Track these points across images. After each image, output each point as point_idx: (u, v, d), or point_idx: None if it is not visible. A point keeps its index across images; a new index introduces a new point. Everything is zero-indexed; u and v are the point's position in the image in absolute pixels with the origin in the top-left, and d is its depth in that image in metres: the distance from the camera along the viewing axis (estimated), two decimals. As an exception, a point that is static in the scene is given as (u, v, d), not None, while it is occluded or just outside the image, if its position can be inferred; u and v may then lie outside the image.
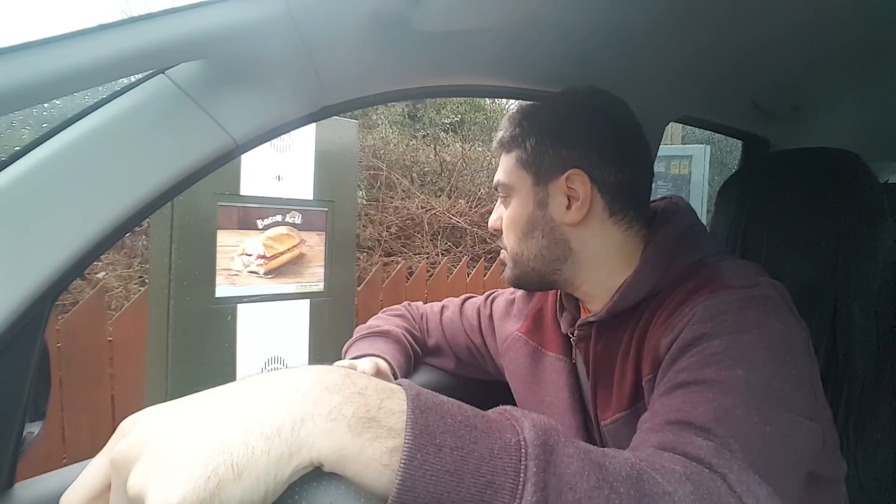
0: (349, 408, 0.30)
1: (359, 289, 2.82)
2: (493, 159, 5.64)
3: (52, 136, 0.48)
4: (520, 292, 0.90)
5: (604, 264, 0.68)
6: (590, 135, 0.67)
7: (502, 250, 0.74)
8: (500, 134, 0.73)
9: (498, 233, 0.75)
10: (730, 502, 0.38)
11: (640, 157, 0.70)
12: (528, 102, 0.76)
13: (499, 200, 0.75)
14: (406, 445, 0.30)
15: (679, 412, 0.46)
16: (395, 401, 0.32)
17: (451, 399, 0.35)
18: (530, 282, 0.72)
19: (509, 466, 0.32)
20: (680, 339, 0.54)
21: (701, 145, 3.07)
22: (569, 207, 0.67)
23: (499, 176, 0.72)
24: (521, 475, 0.32)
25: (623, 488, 0.35)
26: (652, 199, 0.74)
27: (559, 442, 0.35)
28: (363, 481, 0.30)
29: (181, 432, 0.29)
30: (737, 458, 0.41)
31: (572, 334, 0.73)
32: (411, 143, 5.65)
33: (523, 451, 0.33)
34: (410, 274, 3.38)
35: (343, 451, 0.29)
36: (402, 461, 0.30)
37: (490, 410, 0.38)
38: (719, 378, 0.48)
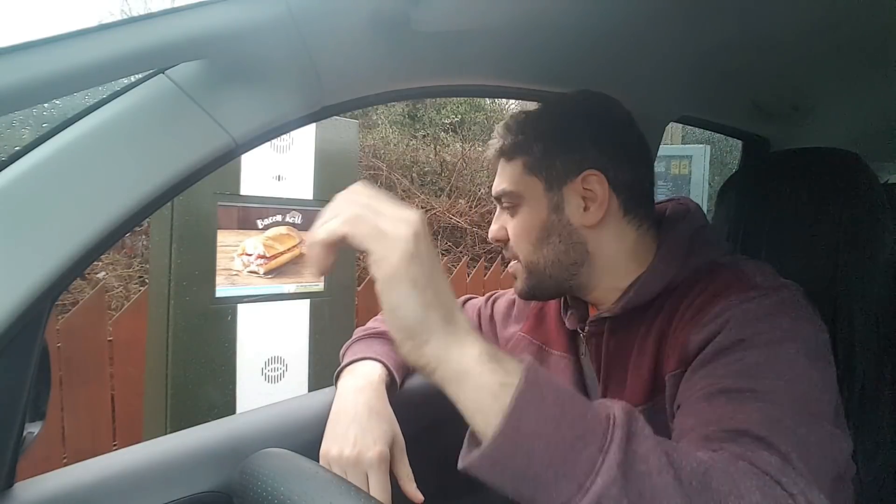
0: (481, 345, 0.40)
1: (359, 289, 2.81)
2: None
3: (52, 136, 0.48)
4: (520, 292, 0.89)
5: (618, 266, 0.68)
6: (602, 135, 0.67)
7: (512, 262, 0.73)
8: (497, 143, 0.72)
9: (500, 244, 0.74)
10: None
11: (647, 156, 0.71)
12: (519, 111, 0.76)
13: (498, 210, 0.73)
14: (519, 385, 0.38)
15: (732, 420, 0.46)
16: (511, 358, 0.41)
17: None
18: (545, 290, 0.71)
19: (599, 429, 0.39)
20: (716, 343, 0.54)
21: (701, 145, 3.08)
22: (586, 209, 0.66)
23: (502, 185, 0.70)
24: (608, 437, 0.38)
25: (686, 477, 0.38)
26: (657, 200, 0.74)
27: (640, 422, 0.41)
28: (472, 405, 0.39)
29: None
30: (802, 476, 0.42)
31: (582, 330, 0.73)
32: (411, 143, 5.64)
33: (611, 420, 0.39)
34: (410, 274, 3.37)
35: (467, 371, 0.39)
36: (515, 396, 0.37)
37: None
38: (762, 388, 0.48)
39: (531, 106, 0.79)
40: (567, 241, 0.67)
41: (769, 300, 0.56)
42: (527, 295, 0.72)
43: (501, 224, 0.72)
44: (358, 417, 0.68)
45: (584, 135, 0.67)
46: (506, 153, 0.71)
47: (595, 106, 0.70)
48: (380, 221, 0.40)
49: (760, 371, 0.50)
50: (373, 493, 0.62)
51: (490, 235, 0.74)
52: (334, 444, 0.65)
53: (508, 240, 0.71)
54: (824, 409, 0.49)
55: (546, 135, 0.68)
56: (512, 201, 0.70)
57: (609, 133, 0.68)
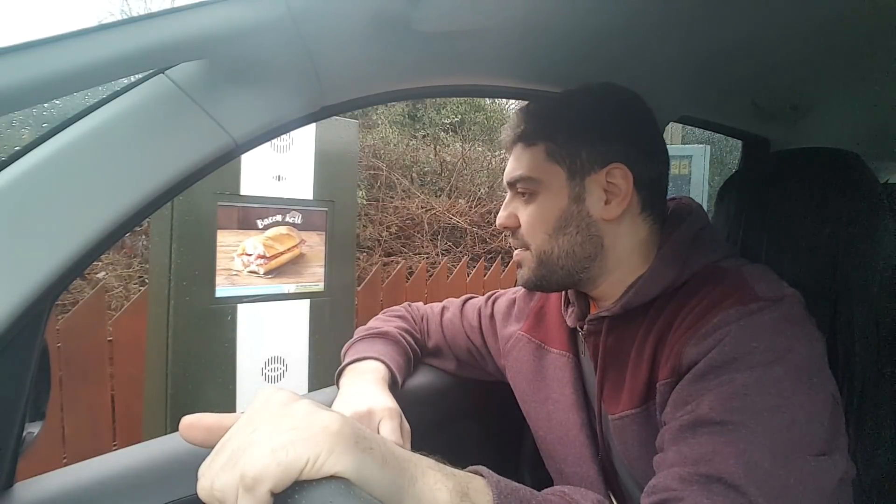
0: (444, 482, 0.40)
1: (359, 289, 2.82)
2: (493, 159, 5.64)
3: (52, 136, 0.48)
4: (521, 292, 0.89)
5: (627, 261, 0.68)
6: (628, 129, 0.67)
7: (518, 250, 0.71)
8: (516, 127, 0.70)
9: (508, 231, 0.72)
10: None
11: (666, 154, 0.71)
12: (539, 99, 0.74)
13: (509, 197, 0.72)
14: None
15: (710, 464, 0.48)
16: (479, 481, 0.43)
17: (520, 485, 0.45)
18: (553, 282, 0.69)
19: None
20: (709, 359, 0.54)
21: (701, 145, 3.08)
22: (607, 202, 0.66)
23: (520, 170, 0.68)
24: None
25: None
26: None
27: None
28: None
29: None
30: None
31: (581, 328, 0.73)
32: (411, 143, 5.65)
33: None
34: (410, 274, 3.38)
35: None
36: None
37: (547, 491, 0.49)
38: (746, 421, 0.49)
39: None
40: (584, 234, 0.66)
41: (768, 315, 0.55)
42: (532, 285, 0.70)
43: (511, 211, 0.71)
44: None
45: (612, 127, 0.66)
46: (525, 138, 0.69)
47: (622, 99, 0.70)
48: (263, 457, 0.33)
49: (748, 397, 0.50)
50: None
51: (498, 222, 0.72)
52: None
53: (518, 227, 0.70)
54: (811, 438, 0.49)
55: (572, 123, 0.67)
56: (529, 188, 0.68)
57: (635, 128, 0.68)
